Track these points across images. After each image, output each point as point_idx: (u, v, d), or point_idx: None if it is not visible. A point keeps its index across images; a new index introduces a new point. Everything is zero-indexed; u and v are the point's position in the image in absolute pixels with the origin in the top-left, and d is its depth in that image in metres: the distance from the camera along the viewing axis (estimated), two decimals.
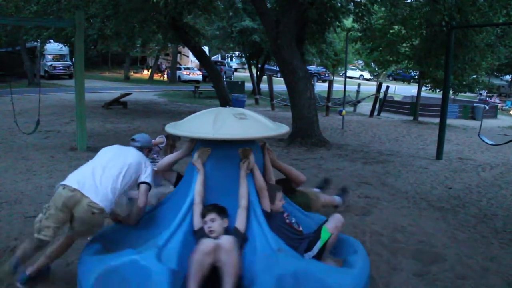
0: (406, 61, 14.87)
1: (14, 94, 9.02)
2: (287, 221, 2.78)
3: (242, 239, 2.54)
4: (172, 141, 5.21)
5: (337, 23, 10.15)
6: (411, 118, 15.37)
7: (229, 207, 2.65)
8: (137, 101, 16.22)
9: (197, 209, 2.62)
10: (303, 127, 8.64)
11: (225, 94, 13.59)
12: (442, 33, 9.78)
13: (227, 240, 2.35)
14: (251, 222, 2.63)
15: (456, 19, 8.20)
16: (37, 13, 9.15)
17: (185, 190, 2.81)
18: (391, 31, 13.42)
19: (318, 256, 2.65)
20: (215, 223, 2.52)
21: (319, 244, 2.66)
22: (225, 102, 12.82)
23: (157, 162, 5.14)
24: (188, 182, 2.82)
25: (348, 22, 14.26)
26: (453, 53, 8.40)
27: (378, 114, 16.41)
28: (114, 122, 10.82)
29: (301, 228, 2.84)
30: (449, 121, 10.15)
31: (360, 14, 9.72)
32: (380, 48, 13.93)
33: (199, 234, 2.55)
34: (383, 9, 12.39)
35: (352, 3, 9.92)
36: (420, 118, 15.03)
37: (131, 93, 15.68)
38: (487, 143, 7.49)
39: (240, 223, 2.58)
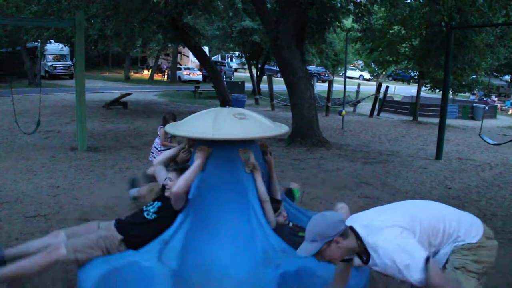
0: (405, 61, 14.86)
1: (15, 94, 9.03)
2: (291, 226, 2.86)
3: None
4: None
5: (337, 23, 10.15)
6: (411, 118, 15.37)
7: (229, 207, 2.66)
8: (138, 101, 16.22)
9: (269, 206, 2.76)
10: (303, 127, 8.64)
11: (225, 94, 13.59)
12: (441, 34, 9.80)
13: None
14: (252, 223, 2.65)
15: (456, 20, 8.21)
16: (37, 13, 9.16)
17: (226, 195, 2.80)
18: (391, 31, 13.42)
19: None
20: (285, 211, 2.80)
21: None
22: (225, 102, 12.83)
23: None
24: (221, 185, 2.82)
25: (348, 22, 14.28)
26: (453, 53, 8.41)
27: (378, 114, 16.41)
28: (114, 122, 10.82)
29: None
30: (448, 121, 10.16)
31: (360, 14, 9.72)
32: (380, 48, 13.92)
33: (279, 230, 2.73)
34: (383, 9, 12.39)
35: (352, 3, 9.93)
36: (420, 118, 15.03)
37: (131, 93, 15.67)
38: (488, 143, 7.50)
39: (268, 215, 2.74)
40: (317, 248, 1.84)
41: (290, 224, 2.84)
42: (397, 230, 1.85)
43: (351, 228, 1.93)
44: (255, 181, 2.75)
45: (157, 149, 5.45)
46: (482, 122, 8.12)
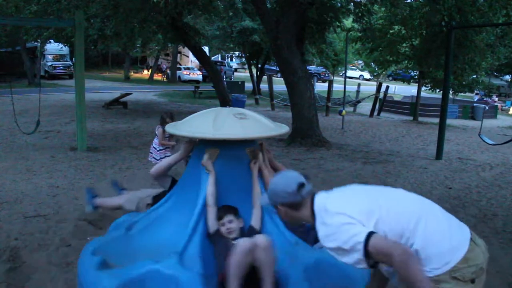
0: (406, 61, 14.86)
1: (14, 94, 9.02)
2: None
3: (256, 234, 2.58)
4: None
5: (337, 23, 10.15)
6: (411, 118, 15.37)
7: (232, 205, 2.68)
8: (137, 101, 16.22)
9: (211, 211, 2.60)
10: (303, 127, 8.64)
11: (225, 94, 13.58)
12: (442, 33, 9.79)
13: (264, 239, 2.27)
14: (265, 219, 2.67)
15: (456, 19, 8.20)
16: (37, 13, 9.15)
17: (191, 192, 2.76)
18: (391, 31, 13.42)
19: None
20: (233, 224, 2.54)
21: None
22: (225, 102, 12.82)
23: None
24: (193, 183, 2.78)
25: (348, 22, 14.28)
26: (453, 53, 8.40)
27: (378, 114, 16.40)
28: (114, 122, 10.82)
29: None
30: (449, 121, 10.15)
31: (360, 14, 9.72)
32: (380, 48, 13.93)
33: (215, 237, 2.54)
34: (383, 9, 12.39)
35: (352, 3, 9.92)
36: (420, 118, 15.03)
37: (131, 93, 15.66)
38: (487, 143, 7.50)
39: (255, 222, 2.64)
40: (268, 205, 1.93)
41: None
42: (343, 219, 1.73)
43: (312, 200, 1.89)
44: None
45: (155, 149, 5.45)
46: (482, 122, 8.12)
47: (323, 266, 2.40)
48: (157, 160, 5.43)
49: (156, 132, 5.46)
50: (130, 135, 8.99)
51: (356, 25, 11.52)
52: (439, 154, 7.82)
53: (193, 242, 2.52)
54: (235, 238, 2.47)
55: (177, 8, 9.79)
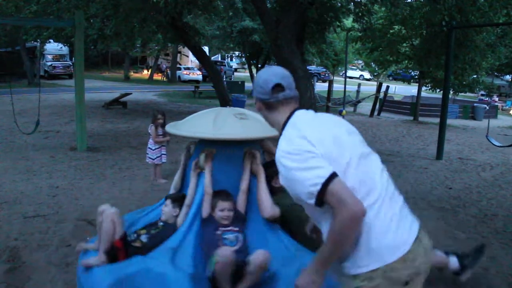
0: (406, 61, 14.85)
1: (14, 94, 9.01)
2: (218, 232, 2.54)
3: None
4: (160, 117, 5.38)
5: (337, 23, 10.14)
6: (411, 118, 15.36)
7: None
8: (137, 101, 16.21)
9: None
10: None
11: (225, 94, 13.58)
12: (442, 33, 9.78)
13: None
14: (265, 231, 2.65)
15: (456, 19, 8.19)
16: (37, 13, 9.14)
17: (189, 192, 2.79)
18: (391, 31, 13.40)
19: None
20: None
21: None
22: (225, 102, 12.81)
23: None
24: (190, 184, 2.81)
25: (348, 22, 14.27)
26: (453, 53, 8.39)
27: (378, 114, 16.40)
28: (114, 122, 10.81)
29: (236, 248, 2.49)
30: (449, 121, 10.14)
31: (360, 14, 9.71)
32: (380, 48, 13.92)
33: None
34: (383, 9, 12.38)
35: (352, 3, 9.91)
36: (420, 118, 15.02)
37: (131, 93, 15.66)
38: (494, 145, 7.47)
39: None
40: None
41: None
42: (309, 147, 1.51)
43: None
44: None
45: (151, 149, 5.45)
46: (488, 124, 8.05)
47: None
48: (153, 159, 5.43)
49: (149, 131, 5.46)
50: (130, 135, 8.98)
51: (356, 25, 11.52)
52: (439, 154, 7.82)
53: (188, 240, 2.54)
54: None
55: (177, 8, 9.79)
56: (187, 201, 2.73)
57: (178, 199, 2.77)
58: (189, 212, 2.69)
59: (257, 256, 2.22)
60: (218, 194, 2.66)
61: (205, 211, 2.64)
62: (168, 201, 2.76)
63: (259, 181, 2.69)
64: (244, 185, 2.71)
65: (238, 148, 2.77)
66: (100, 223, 2.60)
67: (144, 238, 2.59)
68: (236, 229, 2.58)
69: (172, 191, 2.97)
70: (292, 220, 2.71)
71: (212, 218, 2.60)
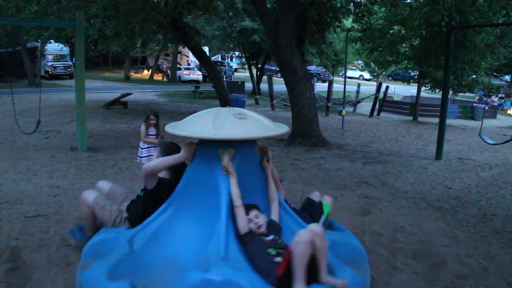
0: (405, 61, 14.87)
1: (15, 94, 9.04)
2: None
3: (279, 229, 2.74)
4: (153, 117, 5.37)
5: (337, 23, 10.16)
6: (411, 118, 15.38)
7: (206, 206, 2.73)
8: (138, 101, 16.23)
9: (241, 212, 2.61)
10: (303, 127, 8.64)
11: (225, 94, 13.59)
12: (441, 34, 9.79)
13: (319, 227, 2.38)
14: (281, 213, 2.86)
15: (456, 20, 8.21)
16: (37, 13, 9.15)
17: (198, 198, 2.76)
18: (391, 31, 13.42)
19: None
20: (260, 218, 2.63)
21: (323, 218, 3.04)
22: (225, 102, 12.83)
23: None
24: (198, 188, 2.79)
25: (348, 22, 14.27)
26: (453, 53, 8.41)
27: (378, 114, 16.41)
28: (114, 122, 10.82)
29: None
30: (448, 121, 10.16)
31: (360, 14, 9.73)
32: (380, 48, 13.92)
33: (247, 237, 2.56)
34: (383, 9, 12.39)
35: (352, 3, 9.93)
36: (420, 118, 15.04)
37: (131, 93, 15.68)
38: (487, 143, 7.50)
39: (274, 215, 2.80)
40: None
41: (270, 237, 2.60)
42: None
43: None
44: (230, 184, 2.68)
45: (141, 148, 5.45)
46: (482, 122, 8.11)
47: (336, 245, 2.74)
48: (141, 158, 5.42)
49: (141, 130, 5.47)
50: (130, 135, 8.99)
51: (356, 25, 11.53)
52: (438, 154, 7.83)
53: (231, 245, 2.51)
54: (265, 234, 2.59)
55: (177, 8, 9.82)
56: (237, 202, 2.62)
57: (258, 207, 2.71)
58: (167, 200, 2.91)
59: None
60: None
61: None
62: (256, 211, 2.66)
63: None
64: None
65: (238, 148, 2.78)
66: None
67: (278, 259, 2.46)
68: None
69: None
70: None
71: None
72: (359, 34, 12.64)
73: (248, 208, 2.64)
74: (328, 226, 3.27)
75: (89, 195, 3.19)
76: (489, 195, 5.54)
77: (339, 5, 9.98)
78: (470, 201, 5.22)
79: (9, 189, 4.94)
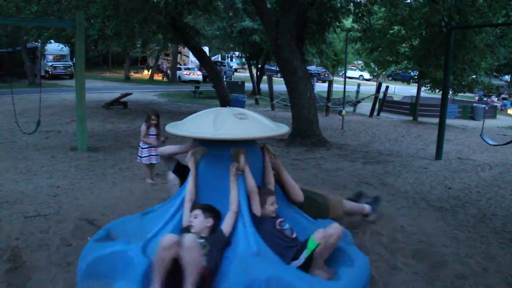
0: (405, 61, 14.87)
1: (15, 94, 9.04)
2: (278, 227, 2.73)
3: (225, 242, 2.56)
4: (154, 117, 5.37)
5: (337, 23, 10.16)
6: (411, 118, 15.38)
7: (226, 207, 2.68)
8: (138, 101, 16.23)
9: (187, 206, 2.71)
10: (303, 127, 8.65)
11: (225, 94, 13.60)
12: (441, 34, 9.80)
13: (187, 238, 2.30)
14: (237, 224, 2.62)
15: (456, 20, 8.21)
16: (37, 13, 9.15)
17: (215, 195, 2.81)
18: (390, 31, 13.42)
19: (306, 266, 2.54)
20: (197, 219, 2.59)
21: (305, 254, 2.56)
22: (225, 102, 12.83)
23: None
24: (213, 185, 2.85)
25: (348, 22, 14.28)
26: (453, 53, 8.41)
27: (378, 114, 16.41)
28: (114, 122, 10.83)
29: (294, 235, 2.77)
30: (448, 121, 10.16)
31: (360, 14, 9.73)
32: (380, 48, 13.92)
33: (184, 231, 2.61)
34: (383, 9, 12.40)
35: (352, 3, 9.94)
36: (420, 118, 15.04)
37: (131, 93, 15.68)
38: (489, 144, 7.49)
39: (226, 226, 2.60)
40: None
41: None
42: None
43: None
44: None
45: (141, 147, 5.45)
46: (483, 123, 8.08)
47: (276, 284, 2.29)
48: (141, 158, 5.42)
49: (141, 129, 5.46)
50: (130, 135, 8.99)
51: (356, 25, 11.53)
52: (438, 154, 7.83)
53: (163, 232, 2.61)
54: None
55: (177, 8, 9.82)
56: (233, 207, 2.63)
57: (209, 209, 2.66)
58: (239, 217, 2.64)
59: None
60: (262, 190, 2.79)
61: (257, 210, 2.70)
62: (199, 211, 2.62)
63: (282, 171, 2.99)
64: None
65: (238, 148, 2.78)
66: (166, 258, 2.29)
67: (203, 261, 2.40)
68: (283, 219, 2.78)
69: (189, 202, 2.78)
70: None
71: (264, 215, 2.72)
72: (359, 34, 12.64)
73: (194, 206, 2.71)
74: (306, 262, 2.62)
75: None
76: (489, 195, 5.54)
77: (339, 5, 9.98)
78: (470, 201, 5.22)
79: (9, 189, 4.94)
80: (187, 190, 2.73)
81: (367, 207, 3.98)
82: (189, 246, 2.26)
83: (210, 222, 2.61)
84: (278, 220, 2.76)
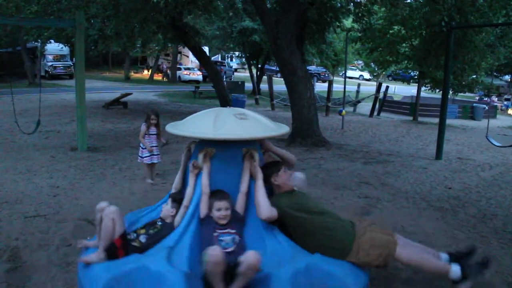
0: (405, 61, 14.87)
1: (15, 94, 9.04)
2: (215, 234, 2.54)
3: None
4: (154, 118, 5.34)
5: (337, 23, 10.16)
6: (411, 118, 15.38)
7: None
8: (138, 101, 16.23)
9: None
10: (303, 127, 8.64)
11: (225, 94, 13.60)
12: (441, 34, 9.79)
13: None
14: (262, 230, 2.66)
15: (456, 20, 8.21)
16: (37, 13, 9.15)
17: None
18: (390, 31, 13.42)
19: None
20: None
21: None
22: (225, 102, 12.83)
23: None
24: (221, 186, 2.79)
25: (348, 22, 14.28)
26: (453, 53, 8.40)
27: (378, 114, 16.41)
28: (114, 122, 10.82)
29: (230, 250, 2.47)
30: (448, 121, 10.16)
31: (360, 14, 9.73)
32: (380, 48, 13.93)
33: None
34: (383, 9, 12.40)
35: (352, 3, 9.93)
36: (420, 118, 15.04)
37: (131, 93, 15.69)
38: (494, 145, 7.47)
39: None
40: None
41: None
42: None
43: None
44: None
45: (141, 148, 5.45)
46: (488, 123, 8.03)
47: (313, 272, 2.33)
48: (142, 158, 5.41)
49: (141, 129, 5.44)
50: (130, 135, 8.99)
51: (356, 25, 11.53)
52: (438, 154, 7.83)
53: (184, 240, 2.56)
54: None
55: (177, 8, 9.82)
56: (185, 201, 2.74)
57: (178, 199, 2.79)
58: (186, 212, 2.70)
59: (248, 257, 2.21)
60: (215, 194, 2.67)
61: (203, 212, 2.65)
62: (169, 200, 2.80)
63: (257, 183, 2.71)
64: (243, 186, 2.73)
65: (238, 148, 2.78)
66: (99, 219, 2.64)
67: (142, 238, 2.62)
68: (233, 231, 2.59)
69: (173, 191, 2.97)
70: (289, 222, 2.69)
71: (210, 219, 2.62)
72: (359, 34, 12.64)
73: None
74: None
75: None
76: (489, 195, 5.54)
77: (339, 5, 9.98)
78: (470, 201, 5.22)
79: (9, 189, 4.94)
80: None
81: (454, 270, 2.49)
82: (106, 214, 2.55)
83: (173, 212, 2.75)
84: (222, 230, 2.56)
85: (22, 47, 21.62)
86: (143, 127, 5.37)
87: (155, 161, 5.45)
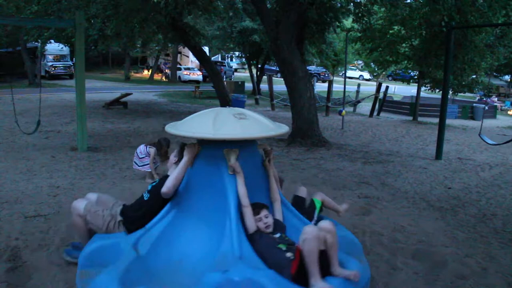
0: (405, 61, 14.87)
1: (15, 94, 9.03)
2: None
3: (283, 227, 2.77)
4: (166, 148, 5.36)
5: (337, 23, 10.17)
6: (411, 118, 15.37)
7: (211, 206, 2.74)
8: (138, 101, 16.23)
9: (249, 211, 2.63)
10: (303, 127, 8.65)
11: (225, 94, 13.60)
12: (441, 34, 9.81)
13: (330, 224, 2.39)
14: (225, 223, 2.64)
15: (456, 20, 8.21)
16: (37, 13, 9.16)
17: (212, 195, 2.74)
18: (390, 31, 13.43)
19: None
20: (269, 218, 2.66)
21: (316, 213, 3.16)
22: (225, 102, 12.83)
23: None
24: (201, 190, 2.79)
25: (348, 22, 14.28)
26: (453, 53, 8.41)
27: (378, 114, 16.41)
28: (114, 122, 10.82)
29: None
30: (448, 121, 10.17)
31: (360, 14, 9.73)
32: (380, 48, 13.93)
33: (257, 235, 2.59)
34: (383, 9, 12.40)
35: (352, 3, 9.94)
36: (420, 118, 15.04)
37: (131, 93, 15.68)
38: (487, 143, 7.50)
39: (278, 214, 2.84)
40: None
41: (277, 235, 2.64)
42: None
43: None
44: (237, 184, 2.68)
45: (138, 156, 5.48)
46: (482, 122, 8.10)
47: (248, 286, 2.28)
48: (139, 166, 5.46)
49: (148, 150, 5.44)
50: (130, 135, 9.00)
51: (356, 25, 11.54)
52: (438, 154, 7.83)
53: (244, 244, 2.52)
54: (272, 233, 2.63)
55: (177, 8, 9.81)
56: (244, 202, 2.65)
57: (267, 206, 2.75)
58: (225, 216, 2.64)
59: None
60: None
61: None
62: (266, 211, 2.69)
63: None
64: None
65: (238, 148, 2.78)
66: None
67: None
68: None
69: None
70: None
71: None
72: (359, 34, 12.64)
73: (257, 207, 2.68)
74: (318, 220, 3.16)
75: (79, 204, 3.05)
76: (489, 195, 5.54)
77: (339, 5, 9.99)
78: (470, 201, 5.22)
79: (9, 189, 4.94)
80: (243, 194, 2.63)
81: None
82: (334, 230, 2.39)
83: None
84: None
85: (22, 47, 21.61)
86: (152, 152, 5.39)
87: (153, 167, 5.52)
